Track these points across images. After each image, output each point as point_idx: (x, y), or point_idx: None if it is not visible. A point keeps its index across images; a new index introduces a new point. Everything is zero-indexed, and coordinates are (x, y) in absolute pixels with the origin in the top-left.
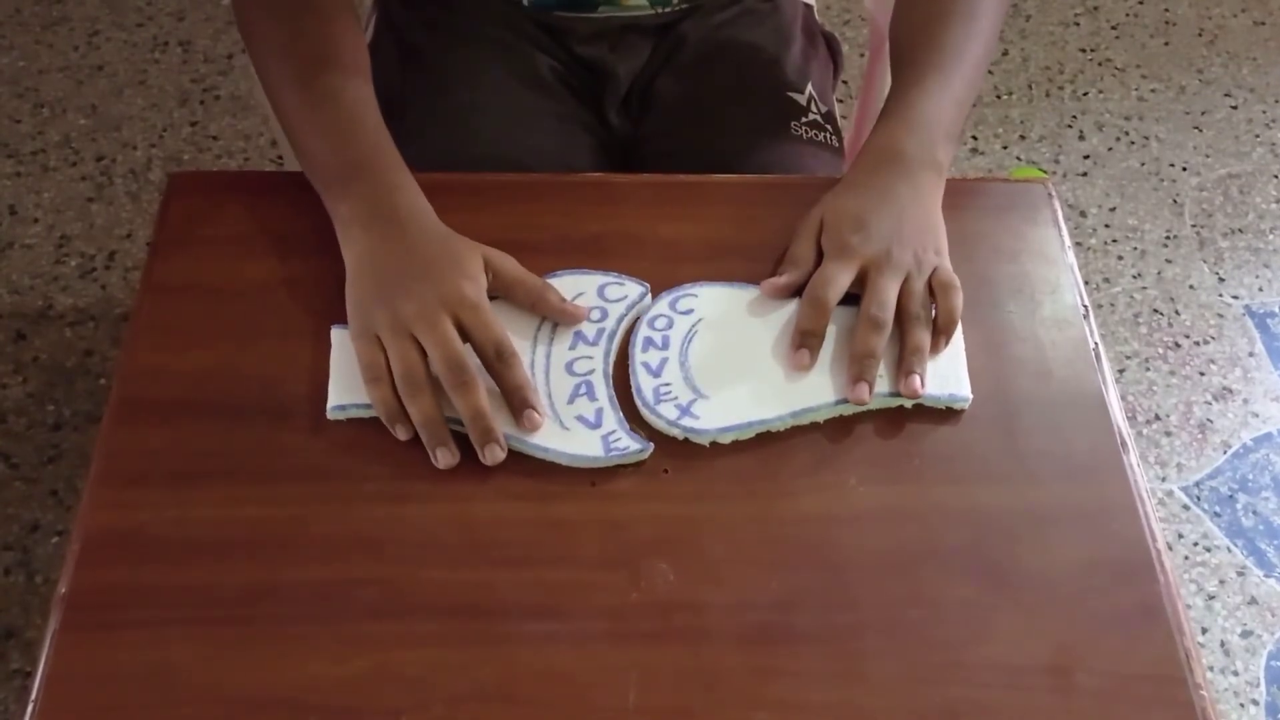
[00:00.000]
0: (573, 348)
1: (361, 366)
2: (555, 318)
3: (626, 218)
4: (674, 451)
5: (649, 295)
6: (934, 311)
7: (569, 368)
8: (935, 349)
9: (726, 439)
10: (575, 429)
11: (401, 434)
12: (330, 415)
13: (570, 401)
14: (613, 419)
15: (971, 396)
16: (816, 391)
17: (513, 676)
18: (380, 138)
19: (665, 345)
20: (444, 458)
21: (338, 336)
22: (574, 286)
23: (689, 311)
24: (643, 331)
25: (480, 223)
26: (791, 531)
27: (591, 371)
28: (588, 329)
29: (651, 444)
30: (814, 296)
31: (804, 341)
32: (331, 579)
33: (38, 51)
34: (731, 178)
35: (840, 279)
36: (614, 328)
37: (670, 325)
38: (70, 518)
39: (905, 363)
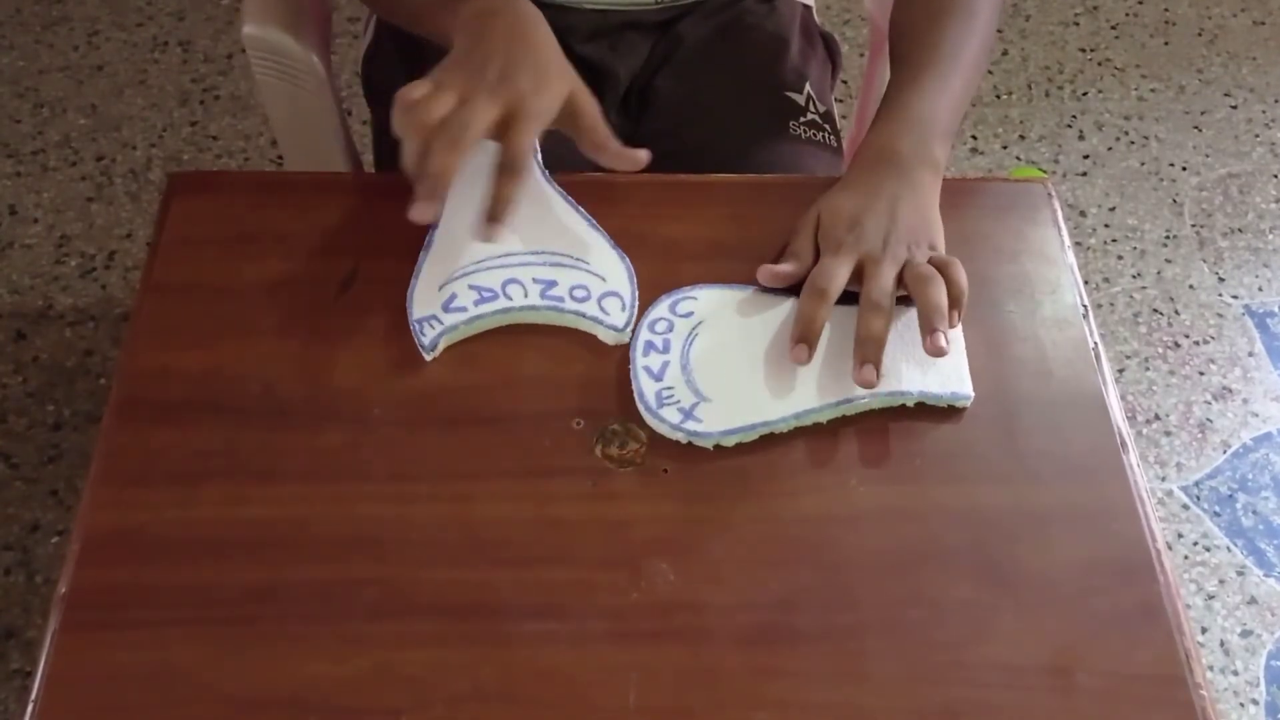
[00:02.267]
0: (533, 280)
1: (409, 88)
2: (613, 162)
3: (626, 218)
4: (674, 452)
5: (618, 336)
6: None
7: (504, 282)
8: (950, 323)
9: (730, 442)
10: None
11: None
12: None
13: (469, 287)
14: (434, 307)
15: (973, 394)
16: (819, 392)
17: (513, 676)
18: None
19: (666, 349)
20: (417, 211)
21: None
22: (612, 266)
23: (689, 314)
24: (643, 335)
25: None
26: (792, 531)
27: (509, 281)
28: (549, 272)
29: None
30: (813, 289)
31: (803, 335)
32: (332, 579)
33: (38, 51)
34: (731, 178)
35: (839, 272)
36: (561, 295)
37: (670, 328)
38: (70, 518)
39: (927, 321)
